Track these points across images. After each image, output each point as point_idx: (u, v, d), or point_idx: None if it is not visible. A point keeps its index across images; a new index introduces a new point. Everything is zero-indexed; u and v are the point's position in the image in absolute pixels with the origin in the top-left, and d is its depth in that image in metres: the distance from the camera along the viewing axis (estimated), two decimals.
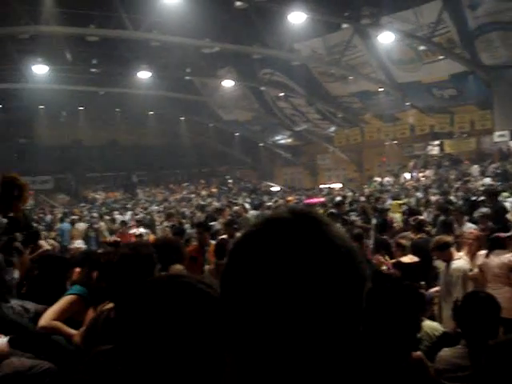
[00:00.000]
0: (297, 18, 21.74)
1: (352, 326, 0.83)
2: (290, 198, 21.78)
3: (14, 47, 22.57)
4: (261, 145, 40.93)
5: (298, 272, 0.80)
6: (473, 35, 21.95)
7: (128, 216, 20.46)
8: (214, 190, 34.48)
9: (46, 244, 12.42)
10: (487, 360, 2.14)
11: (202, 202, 24.00)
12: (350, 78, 27.84)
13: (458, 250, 6.83)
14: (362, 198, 18.37)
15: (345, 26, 23.92)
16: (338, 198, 16.65)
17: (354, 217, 12.34)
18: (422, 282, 6.32)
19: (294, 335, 0.79)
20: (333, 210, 12.28)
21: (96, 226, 18.29)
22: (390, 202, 16.14)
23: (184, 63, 28.47)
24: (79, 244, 14.08)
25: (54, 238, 14.54)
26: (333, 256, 0.82)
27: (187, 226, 13.26)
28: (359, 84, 27.94)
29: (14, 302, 5.09)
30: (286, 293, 0.79)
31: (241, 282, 0.83)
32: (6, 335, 3.74)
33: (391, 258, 7.93)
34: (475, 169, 24.14)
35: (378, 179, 29.24)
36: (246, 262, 0.84)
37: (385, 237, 9.17)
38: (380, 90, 27.86)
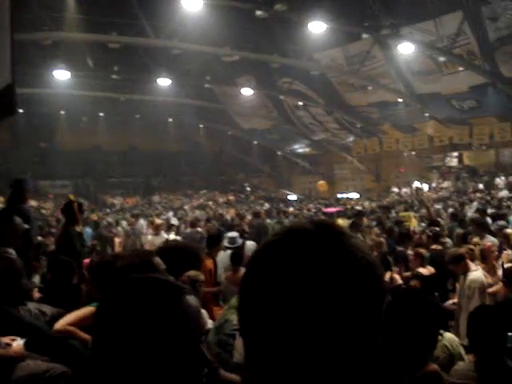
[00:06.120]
0: (317, 27, 21.63)
1: (371, 339, 0.83)
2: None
3: (37, 53, 22.76)
4: (279, 153, 40.97)
5: (318, 284, 0.79)
6: (493, 47, 21.75)
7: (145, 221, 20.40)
8: (231, 197, 34.49)
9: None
10: None
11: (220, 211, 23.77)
12: (369, 88, 27.74)
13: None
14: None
15: (365, 36, 23.76)
16: (358, 208, 16.53)
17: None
18: (436, 294, 6.30)
19: (312, 347, 0.79)
20: (354, 220, 11.84)
21: (114, 230, 18.30)
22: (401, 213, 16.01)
23: (204, 71, 28.59)
24: None
25: None
26: (354, 269, 0.82)
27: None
28: (378, 94, 27.82)
29: (31, 305, 5.13)
30: (306, 303, 0.79)
31: (260, 291, 0.83)
32: (22, 338, 3.76)
33: (407, 270, 7.92)
34: (501, 181, 23.91)
35: (396, 190, 29.08)
36: (266, 272, 0.83)
37: (401, 248, 9.11)
38: (399, 100, 27.73)
